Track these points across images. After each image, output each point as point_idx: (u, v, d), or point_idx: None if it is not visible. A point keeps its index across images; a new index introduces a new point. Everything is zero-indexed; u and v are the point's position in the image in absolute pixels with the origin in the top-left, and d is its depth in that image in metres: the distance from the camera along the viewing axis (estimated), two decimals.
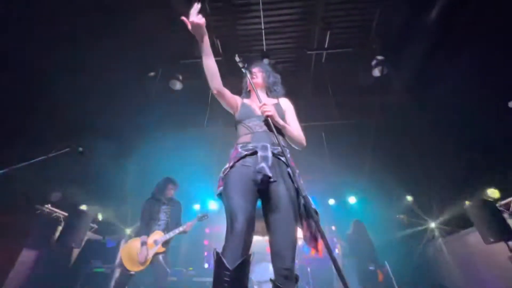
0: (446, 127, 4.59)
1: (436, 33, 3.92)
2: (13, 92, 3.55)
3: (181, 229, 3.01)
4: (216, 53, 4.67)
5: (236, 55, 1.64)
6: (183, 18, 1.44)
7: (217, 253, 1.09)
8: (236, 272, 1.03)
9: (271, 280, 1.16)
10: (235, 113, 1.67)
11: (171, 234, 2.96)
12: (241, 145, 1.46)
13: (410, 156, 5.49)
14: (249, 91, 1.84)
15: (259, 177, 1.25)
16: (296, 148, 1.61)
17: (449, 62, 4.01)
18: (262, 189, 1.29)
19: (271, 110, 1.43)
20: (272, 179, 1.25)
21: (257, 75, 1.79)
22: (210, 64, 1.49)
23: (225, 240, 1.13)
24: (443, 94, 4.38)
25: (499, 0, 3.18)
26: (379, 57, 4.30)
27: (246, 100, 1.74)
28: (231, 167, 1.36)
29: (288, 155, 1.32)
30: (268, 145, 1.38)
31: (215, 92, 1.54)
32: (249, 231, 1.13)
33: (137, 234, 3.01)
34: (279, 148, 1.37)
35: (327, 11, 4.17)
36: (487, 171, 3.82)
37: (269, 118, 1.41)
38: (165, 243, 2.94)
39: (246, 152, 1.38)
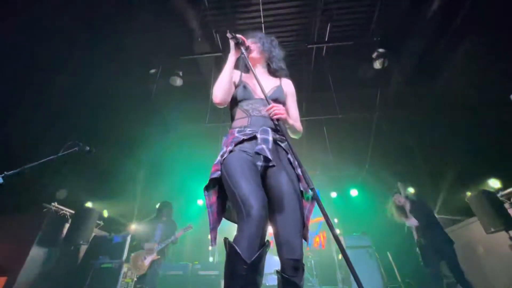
0: (447, 118, 4.59)
1: (437, 24, 3.88)
2: (20, 93, 3.57)
3: (171, 239, 3.71)
4: (215, 49, 4.67)
5: (228, 32, 1.49)
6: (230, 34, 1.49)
7: (230, 244, 0.95)
8: (254, 265, 0.90)
9: (277, 271, 1.06)
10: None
11: (163, 244, 3.63)
12: (237, 129, 1.34)
13: (412, 148, 5.50)
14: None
15: (257, 159, 1.16)
16: (293, 137, 1.51)
17: (450, 54, 3.98)
18: (261, 174, 1.19)
19: (283, 113, 1.28)
20: (271, 164, 1.14)
21: (252, 48, 1.58)
22: (226, 78, 1.42)
23: (238, 230, 0.98)
24: (444, 86, 4.36)
25: None
26: (380, 50, 4.27)
27: (245, 77, 1.56)
28: (231, 151, 1.22)
29: (289, 141, 1.23)
30: (269, 129, 1.27)
31: (216, 101, 1.40)
32: (266, 218, 1.02)
33: (139, 247, 3.70)
34: (278, 134, 1.29)
35: (327, 3, 4.12)
36: (489, 162, 3.84)
37: (280, 121, 1.27)
38: (160, 252, 3.60)
39: (244, 137, 1.26)
